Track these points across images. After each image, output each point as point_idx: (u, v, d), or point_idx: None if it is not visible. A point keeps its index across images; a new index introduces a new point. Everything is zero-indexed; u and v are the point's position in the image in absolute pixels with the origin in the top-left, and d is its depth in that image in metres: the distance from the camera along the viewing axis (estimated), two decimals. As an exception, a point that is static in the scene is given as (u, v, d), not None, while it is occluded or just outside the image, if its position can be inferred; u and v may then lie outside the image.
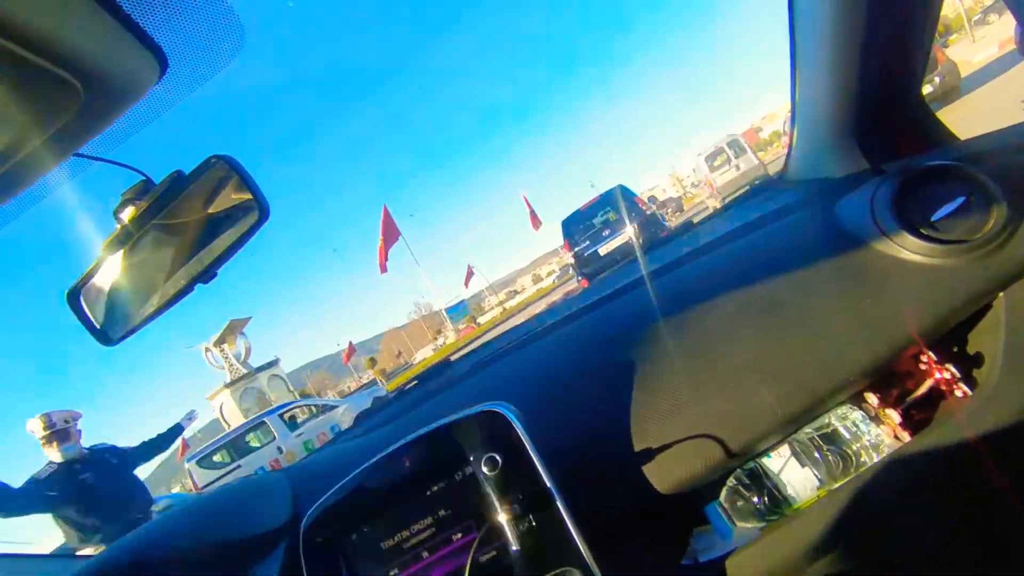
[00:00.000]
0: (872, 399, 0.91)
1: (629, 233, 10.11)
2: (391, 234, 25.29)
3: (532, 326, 1.34)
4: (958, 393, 0.90)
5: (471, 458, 0.87)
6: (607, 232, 10.50)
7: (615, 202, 10.77)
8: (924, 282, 0.89)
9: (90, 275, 0.73)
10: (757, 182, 1.40)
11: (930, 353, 0.91)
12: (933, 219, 0.93)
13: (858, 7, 0.92)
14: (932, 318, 0.87)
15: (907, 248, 0.91)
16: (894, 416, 0.89)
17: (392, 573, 0.86)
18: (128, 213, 0.69)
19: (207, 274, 0.72)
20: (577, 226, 10.94)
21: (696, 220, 1.47)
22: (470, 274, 40.73)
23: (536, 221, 30.07)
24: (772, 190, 1.32)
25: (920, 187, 0.95)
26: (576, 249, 10.69)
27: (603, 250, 10.39)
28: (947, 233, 0.91)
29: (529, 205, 30.57)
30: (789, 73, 1.13)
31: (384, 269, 25.04)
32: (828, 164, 1.15)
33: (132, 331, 0.74)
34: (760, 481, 0.88)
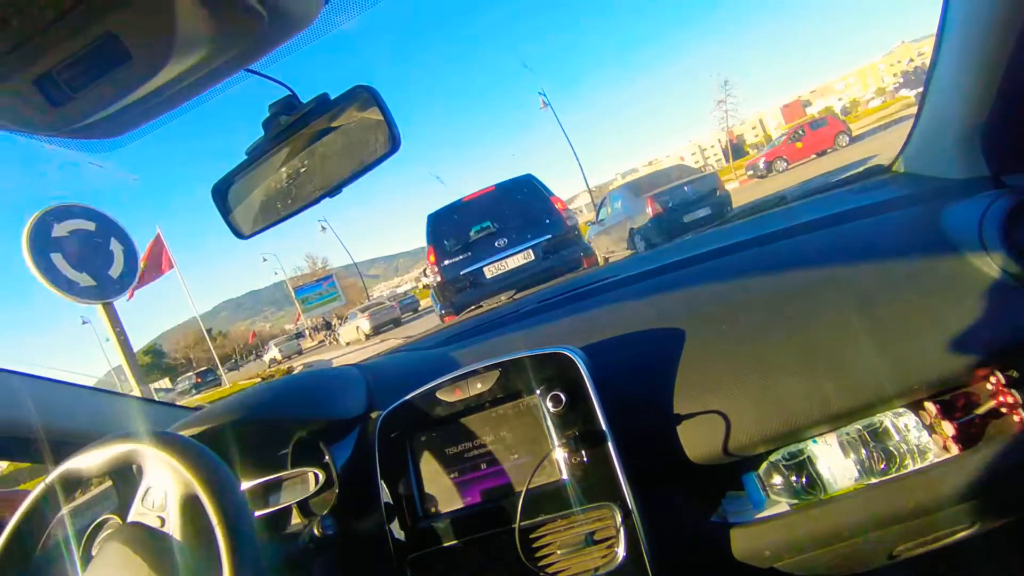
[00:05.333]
0: (930, 408, 0.93)
1: (531, 251, 6.45)
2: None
3: (605, 275, 1.38)
4: (1016, 418, 0.91)
5: (537, 391, 0.95)
6: (501, 243, 6.51)
7: (517, 198, 6.78)
8: (1016, 308, 0.88)
9: (234, 175, 0.81)
10: (865, 168, 1.35)
11: (1000, 375, 0.92)
12: None
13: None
14: (1014, 345, 0.87)
15: (1007, 271, 0.89)
16: (948, 428, 0.91)
17: (452, 475, 0.97)
18: (274, 125, 0.75)
19: (334, 190, 0.79)
20: (451, 227, 6.76)
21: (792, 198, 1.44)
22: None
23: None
24: (878, 180, 1.28)
25: None
26: (446, 263, 6.59)
27: (491, 270, 6.50)
28: None
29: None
30: (931, 57, 1.06)
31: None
32: (946, 164, 1.10)
33: (263, 229, 0.83)
34: (801, 462, 0.93)
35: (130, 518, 0.74)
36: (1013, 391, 0.90)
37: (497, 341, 1.24)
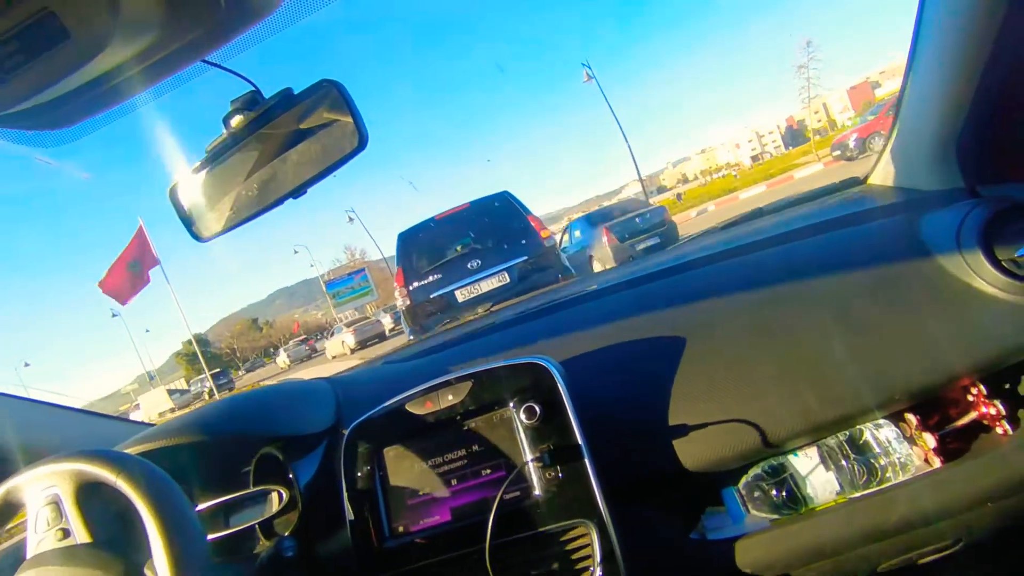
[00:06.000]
0: (911, 419, 0.92)
1: (506, 273, 6.04)
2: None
3: (586, 285, 1.36)
4: (999, 430, 0.89)
5: (511, 404, 0.92)
6: (474, 264, 6.11)
7: (492, 217, 6.36)
8: (995, 316, 0.87)
9: (192, 174, 0.78)
10: (841, 180, 1.35)
11: (981, 386, 0.91)
12: (1019, 254, 0.90)
13: (995, 17, 0.87)
14: (994, 354, 0.86)
15: (985, 279, 0.89)
16: (929, 440, 0.89)
17: (421, 491, 0.93)
18: (235, 121, 0.72)
19: (299, 191, 0.76)
20: (422, 246, 6.36)
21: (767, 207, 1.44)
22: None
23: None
24: (855, 191, 1.28)
25: (1016, 219, 0.91)
26: (415, 285, 6.17)
27: (463, 293, 6.09)
28: None
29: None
30: (904, 70, 1.07)
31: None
32: (922, 175, 1.10)
33: (222, 232, 0.79)
34: (782, 476, 0.91)
35: (29, 555, 0.69)
36: (996, 402, 0.88)
37: (472, 351, 1.20)
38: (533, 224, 6.32)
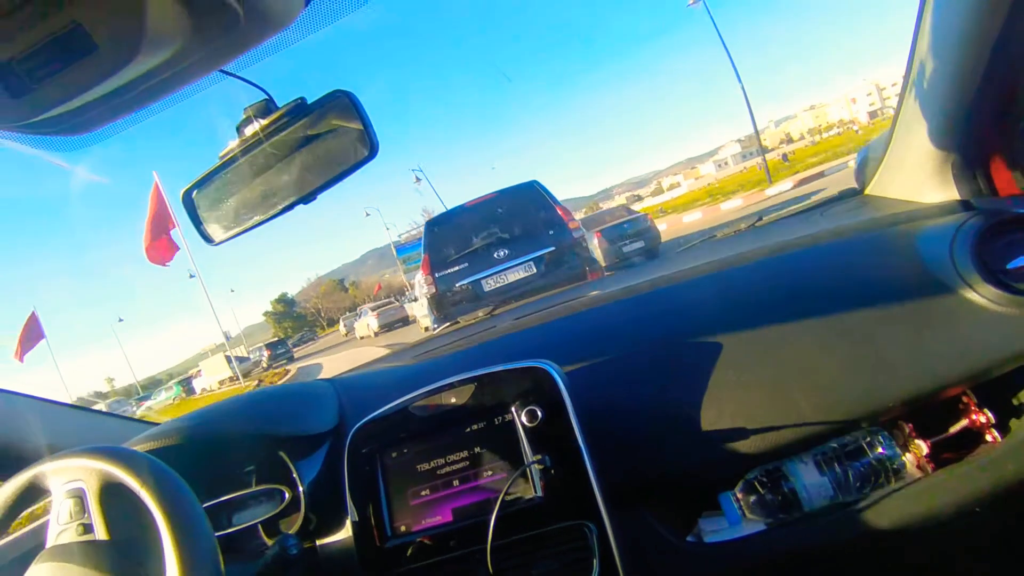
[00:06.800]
0: (905, 427, 0.94)
1: (532, 263, 5.92)
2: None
3: (587, 290, 1.38)
4: (989, 438, 0.92)
5: (512, 407, 0.93)
6: (501, 253, 5.97)
7: (520, 206, 6.22)
8: (986, 327, 0.89)
9: (205, 179, 0.79)
10: (839, 191, 1.38)
11: (972, 394, 0.93)
12: (1009, 267, 0.92)
13: (992, 29, 0.89)
14: (984, 364, 0.88)
15: (977, 291, 0.91)
16: (922, 447, 0.91)
17: (423, 492, 0.95)
18: (249, 129, 0.73)
19: (309, 197, 0.77)
20: (448, 234, 6.27)
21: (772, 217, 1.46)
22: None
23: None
24: (852, 202, 1.30)
25: (1007, 233, 0.93)
26: (440, 273, 6.09)
27: (489, 283, 5.96)
28: (1022, 283, 0.90)
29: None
30: (902, 84, 1.10)
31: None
32: (918, 188, 1.12)
33: (233, 236, 0.81)
34: (778, 481, 0.92)
35: (49, 543, 0.70)
36: (986, 410, 0.91)
37: (475, 355, 1.22)
38: (561, 214, 6.17)
